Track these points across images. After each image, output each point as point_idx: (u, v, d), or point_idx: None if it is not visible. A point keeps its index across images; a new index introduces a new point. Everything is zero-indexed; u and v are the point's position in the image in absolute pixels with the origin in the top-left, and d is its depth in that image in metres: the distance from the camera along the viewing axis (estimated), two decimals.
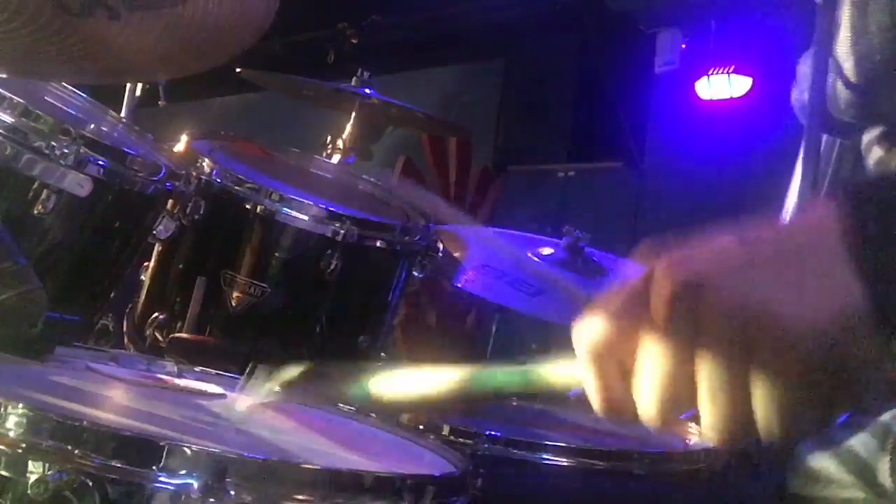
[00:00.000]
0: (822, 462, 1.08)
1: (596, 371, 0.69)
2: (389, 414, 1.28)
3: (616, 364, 0.68)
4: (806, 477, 1.10)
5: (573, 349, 0.72)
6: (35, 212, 1.55)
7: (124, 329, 1.91)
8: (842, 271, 0.63)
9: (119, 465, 0.87)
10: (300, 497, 0.91)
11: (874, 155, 0.99)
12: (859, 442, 1.04)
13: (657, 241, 0.73)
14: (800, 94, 1.02)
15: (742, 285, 0.64)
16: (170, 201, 1.80)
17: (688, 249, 0.68)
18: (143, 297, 1.94)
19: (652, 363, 0.66)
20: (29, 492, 0.84)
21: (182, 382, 1.29)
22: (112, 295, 1.82)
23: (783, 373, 0.62)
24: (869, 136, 0.98)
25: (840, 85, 0.92)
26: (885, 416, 1.02)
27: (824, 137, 1.28)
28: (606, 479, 1.46)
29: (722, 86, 4.57)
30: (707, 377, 0.64)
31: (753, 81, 4.53)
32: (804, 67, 1.00)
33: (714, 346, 0.64)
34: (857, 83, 0.90)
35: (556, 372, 0.76)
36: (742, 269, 0.65)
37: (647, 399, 0.66)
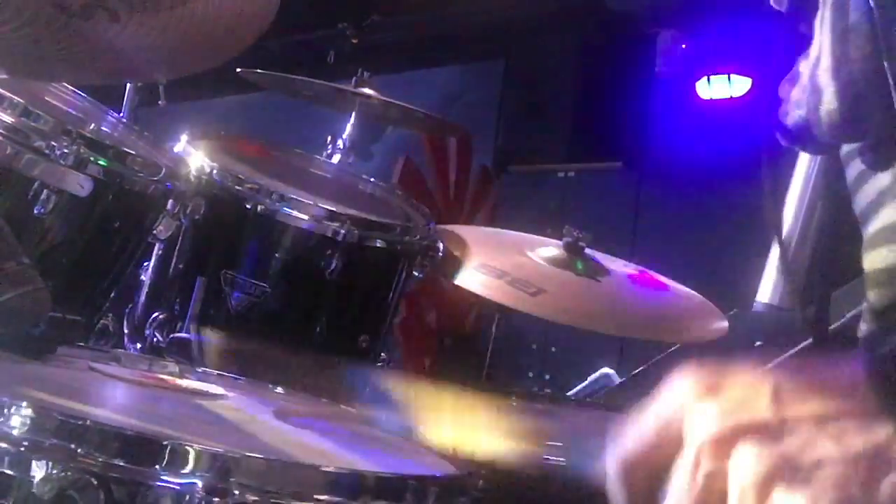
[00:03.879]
0: None
1: (623, 482, 0.70)
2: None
3: (644, 479, 0.70)
4: None
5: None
6: (35, 212, 1.55)
7: (124, 329, 1.91)
8: None
9: (122, 464, 0.87)
10: (303, 497, 0.91)
11: (855, 167, 1.00)
12: None
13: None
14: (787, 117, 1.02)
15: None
16: (170, 201, 1.79)
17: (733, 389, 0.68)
18: (143, 297, 1.94)
19: (681, 488, 0.67)
20: (34, 490, 0.84)
21: (183, 383, 1.29)
22: (112, 295, 1.82)
23: None
24: (849, 147, 0.99)
25: (823, 109, 0.93)
26: None
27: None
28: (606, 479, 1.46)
29: (722, 86, 4.57)
30: None
31: (753, 81, 4.53)
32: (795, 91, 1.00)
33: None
34: (840, 108, 0.91)
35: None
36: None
37: None
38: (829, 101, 0.91)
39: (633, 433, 0.70)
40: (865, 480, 0.63)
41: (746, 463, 0.64)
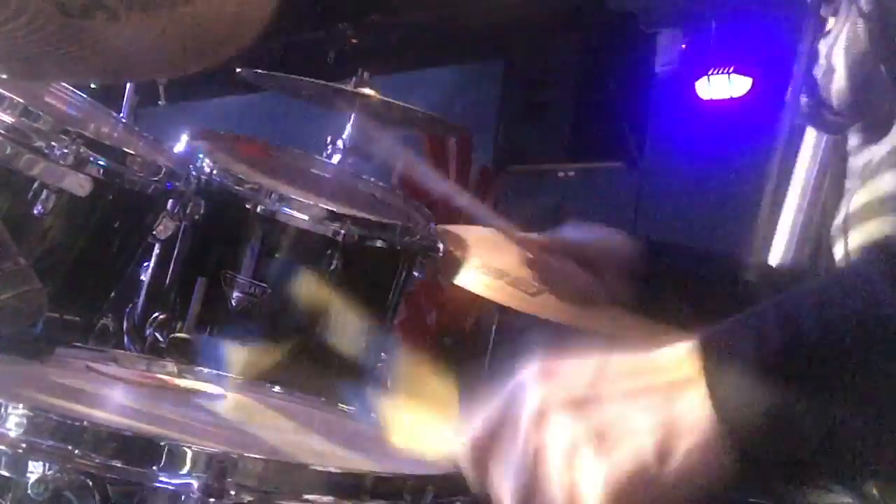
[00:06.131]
0: None
1: (472, 460, 0.78)
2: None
3: (491, 457, 0.77)
4: None
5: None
6: (35, 212, 1.55)
7: (124, 329, 1.91)
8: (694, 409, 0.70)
9: (119, 465, 0.87)
10: (300, 498, 0.91)
11: (853, 140, 1.01)
12: None
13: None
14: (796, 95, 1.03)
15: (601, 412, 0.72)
16: (170, 201, 1.79)
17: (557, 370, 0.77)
18: (143, 297, 1.94)
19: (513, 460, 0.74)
20: (29, 492, 0.84)
21: (182, 383, 1.29)
22: (112, 295, 1.82)
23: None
24: (854, 137, 1.00)
25: (834, 88, 0.95)
26: None
27: (823, 140, 1.29)
28: None
29: (722, 86, 4.57)
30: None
31: (753, 81, 4.52)
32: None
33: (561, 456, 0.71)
34: (848, 87, 0.93)
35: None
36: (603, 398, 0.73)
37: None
38: (839, 80, 0.94)
39: (482, 416, 0.77)
40: (662, 449, 0.69)
41: (558, 433, 0.71)
